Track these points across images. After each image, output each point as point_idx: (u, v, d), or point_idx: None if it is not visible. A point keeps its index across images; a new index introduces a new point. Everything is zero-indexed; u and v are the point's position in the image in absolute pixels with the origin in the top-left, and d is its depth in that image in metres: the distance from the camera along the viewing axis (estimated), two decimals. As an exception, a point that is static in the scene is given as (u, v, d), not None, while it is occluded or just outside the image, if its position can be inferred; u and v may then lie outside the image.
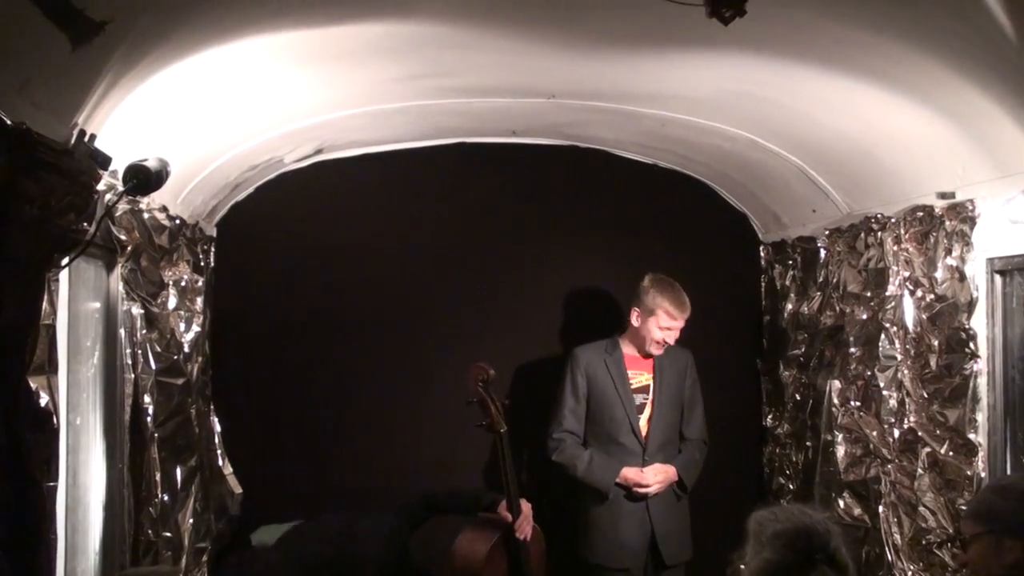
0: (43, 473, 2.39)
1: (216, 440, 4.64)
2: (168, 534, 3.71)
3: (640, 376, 4.55)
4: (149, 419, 3.54)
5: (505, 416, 3.80)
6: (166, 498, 3.69)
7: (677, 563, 4.51)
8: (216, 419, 4.67)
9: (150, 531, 3.56)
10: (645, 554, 4.45)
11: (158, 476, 3.61)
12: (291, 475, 4.96)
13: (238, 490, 4.68)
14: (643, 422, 4.50)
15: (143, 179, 2.94)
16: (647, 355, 4.53)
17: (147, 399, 3.54)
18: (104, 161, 2.71)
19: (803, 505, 2.31)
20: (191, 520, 3.98)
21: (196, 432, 4.18)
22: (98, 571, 3.34)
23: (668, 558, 4.45)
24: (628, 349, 4.56)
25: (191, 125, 3.49)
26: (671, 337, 4.43)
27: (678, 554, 4.51)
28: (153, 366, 3.60)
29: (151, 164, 2.96)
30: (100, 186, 2.85)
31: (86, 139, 2.56)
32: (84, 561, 3.29)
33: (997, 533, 2.50)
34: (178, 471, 3.87)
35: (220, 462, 4.64)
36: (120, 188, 2.98)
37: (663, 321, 4.39)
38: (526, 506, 3.73)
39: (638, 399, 4.52)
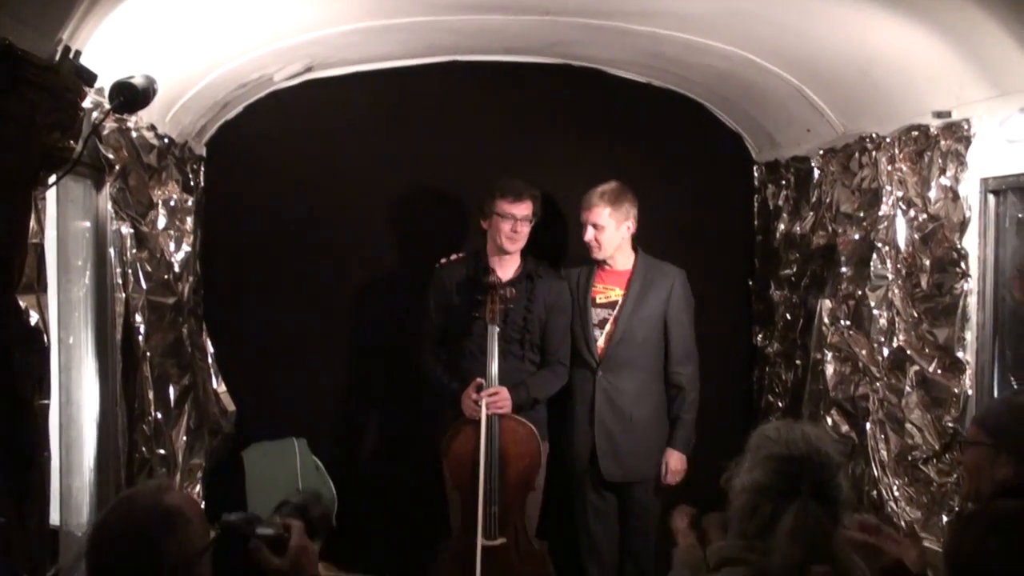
0: (35, 391, 2.40)
1: (209, 359, 4.65)
2: (162, 451, 3.75)
3: (611, 291, 4.51)
4: (141, 338, 3.55)
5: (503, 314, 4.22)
6: (159, 416, 3.72)
7: (622, 481, 4.52)
8: (208, 338, 4.68)
9: (144, 448, 3.59)
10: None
11: (151, 394, 3.63)
12: (283, 394, 4.99)
13: (231, 408, 4.71)
14: (602, 339, 4.47)
15: (129, 96, 2.90)
16: (623, 268, 4.52)
17: (138, 318, 3.54)
18: (90, 78, 2.67)
19: (811, 427, 2.23)
20: (185, 438, 4.02)
21: (188, 351, 4.20)
22: (93, 488, 3.38)
23: (607, 474, 4.49)
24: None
25: (178, 42, 3.43)
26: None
27: (629, 473, 4.51)
28: (144, 285, 3.61)
29: (137, 81, 2.91)
30: (86, 104, 2.82)
31: (71, 55, 2.53)
32: (79, 478, 3.33)
33: (996, 447, 2.54)
34: (171, 389, 3.89)
35: (213, 380, 4.66)
36: (106, 106, 2.95)
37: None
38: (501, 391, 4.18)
39: (600, 314, 4.50)
